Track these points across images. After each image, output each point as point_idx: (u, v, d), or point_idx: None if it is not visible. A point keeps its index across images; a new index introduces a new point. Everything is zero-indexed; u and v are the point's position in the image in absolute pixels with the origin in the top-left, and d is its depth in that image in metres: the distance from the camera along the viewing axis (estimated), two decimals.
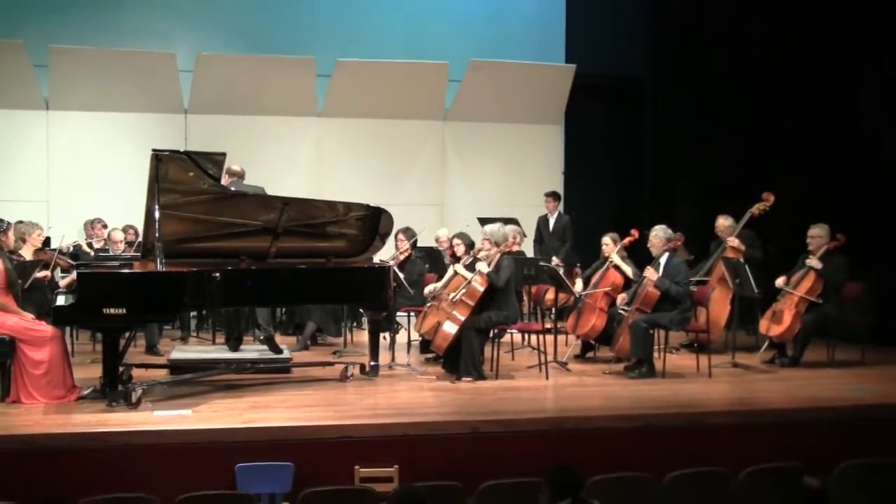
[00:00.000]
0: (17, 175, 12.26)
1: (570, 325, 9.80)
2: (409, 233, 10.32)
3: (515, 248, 10.18)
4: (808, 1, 11.50)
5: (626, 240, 9.83)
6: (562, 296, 9.87)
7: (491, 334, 8.92)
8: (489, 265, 8.68)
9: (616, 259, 9.61)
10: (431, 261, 10.76)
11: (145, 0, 12.94)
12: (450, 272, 9.31)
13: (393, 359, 9.31)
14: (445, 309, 8.80)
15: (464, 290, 8.70)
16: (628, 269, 9.57)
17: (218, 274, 7.63)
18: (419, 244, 10.64)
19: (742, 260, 9.68)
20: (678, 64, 13.52)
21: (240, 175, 9.85)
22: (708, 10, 12.79)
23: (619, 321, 9.29)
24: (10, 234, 8.07)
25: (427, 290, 9.51)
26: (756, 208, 10.15)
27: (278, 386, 8.21)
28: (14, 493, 5.21)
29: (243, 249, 8.30)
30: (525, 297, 10.47)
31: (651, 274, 8.99)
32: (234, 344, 9.27)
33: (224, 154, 7.90)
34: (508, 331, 9.60)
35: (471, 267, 8.95)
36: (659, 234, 9.24)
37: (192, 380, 8.11)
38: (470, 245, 9.49)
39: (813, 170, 11.45)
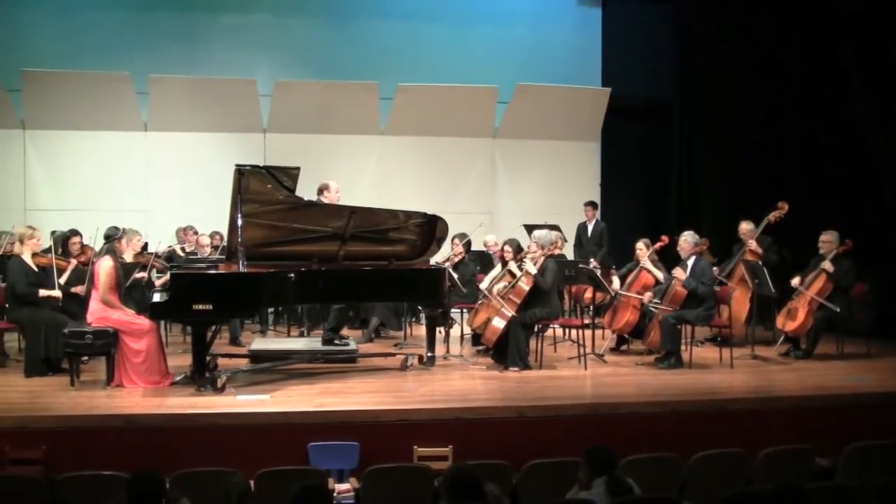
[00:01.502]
0: (120, 188, 12.45)
1: (606, 320, 9.75)
2: (463, 237, 10.33)
3: (557, 252, 10.18)
4: (821, 26, 11.36)
5: (657, 245, 9.75)
6: (599, 294, 9.83)
7: (535, 329, 8.90)
8: (535, 266, 8.69)
9: (647, 263, 9.55)
10: (482, 263, 10.77)
11: (230, 34, 13.08)
12: (495, 270, 9.29)
13: (448, 350, 9.32)
14: (495, 306, 8.80)
15: (512, 289, 8.72)
16: (658, 273, 9.51)
17: (293, 275, 7.69)
18: (472, 248, 10.66)
19: (760, 262, 9.61)
20: (703, 87, 13.41)
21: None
22: (730, 37, 12.68)
23: (651, 317, 9.24)
24: (124, 241, 8.22)
25: (483, 285, 9.49)
26: (772, 216, 10.06)
27: (346, 374, 8.24)
28: (117, 465, 5.27)
29: (315, 253, 8.35)
30: (566, 296, 10.45)
31: (679, 273, 8.94)
32: (329, 335, 9.18)
33: (298, 168, 7.92)
34: (551, 325, 9.53)
35: (519, 268, 8.94)
36: (687, 239, 9.19)
37: (269, 368, 8.18)
38: (518, 249, 9.47)
39: (824, 181, 11.34)
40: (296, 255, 8.28)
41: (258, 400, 6.95)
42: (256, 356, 8.57)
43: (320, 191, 8.96)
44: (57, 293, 8.24)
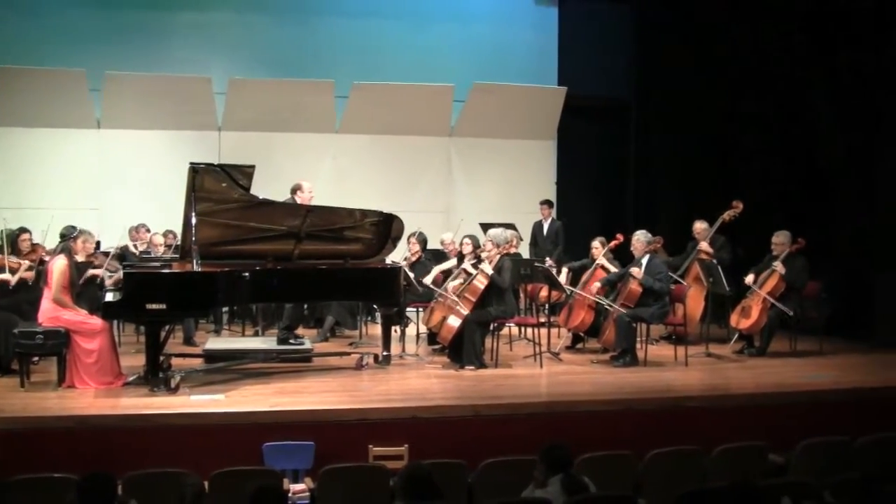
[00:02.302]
0: (73, 186, 12.24)
1: (562, 319, 9.77)
2: (419, 236, 10.32)
3: (513, 250, 10.19)
4: (782, 26, 11.49)
5: (612, 243, 9.85)
6: (554, 293, 9.87)
7: (491, 327, 8.90)
8: (490, 265, 8.69)
9: (603, 261, 9.64)
10: (438, 262, 10.69)
11: (187, 31, 12.94)
12: (448, 263, 9.35)
13: (403, 349, 9.29)
14: (450, 304, 8.78)
15: (467, 288, 8.71)
16: (614, 270, 9.56)
17: (247, 273, 7.64)
18: (428, 247, 10.68)
19: (715, 262, 9.69)
20: (660, 86, 13.51)
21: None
22: (688, 38, 12.79)
23: (606, 316, 9.28)
24: (80, 240, 8.11)
25: (428, 279, 9.56)
26: (727, 214, 10.13)
27: (301, 374, 8.18)
28: (69, 467, 5.20)
29: (270, 252, 8.28)
30: (521, 294, 10.49)
31: (637, 273, 8.99)
32: (284, 334, 9.14)
33: (253, 167, 7.87)
34: (507, 324, 9.59)
35: (475, 266, 8.94)
36: (640, 238, 9.25)
37: (224, 368, 8.11)
38: (478, 245, 9.46)
39: (777, 182, 11.47)
40: (250, 254, 8.20)
41: (212, 400, 6.88)
42: (211, 356, 8.49)
43: (293, 191, 8.97)
44: (7, 276, 8.17)
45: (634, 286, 8.98)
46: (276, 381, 7.77)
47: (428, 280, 9.68)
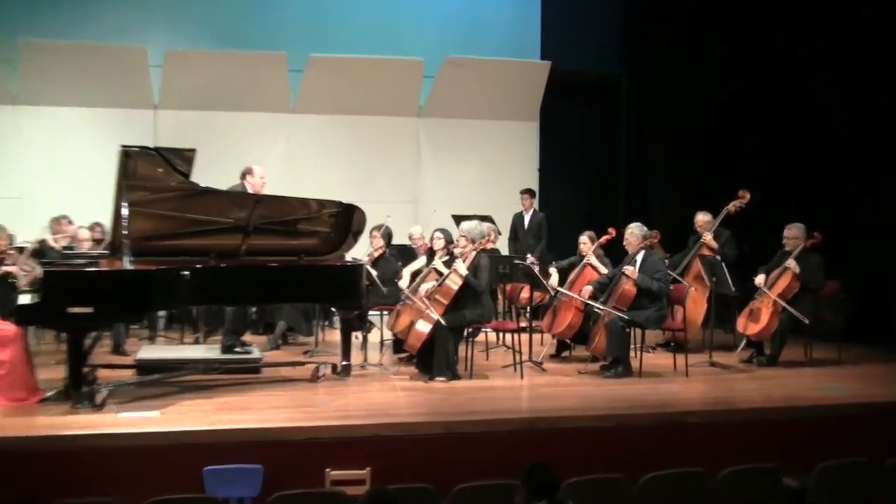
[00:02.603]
0: None
1: (545, 324, 9.77)
2: (383, 230, 10.28)
3: (490, 246, 10.25)
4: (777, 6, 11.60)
5: (603, 238, 9.90)
6: (537, 294, 9.85)
7: (465, 333, 8.90)
8: (465, 263, 8.66)
9: (592, 259, 9.68)
10: (405, 259, 10.73)
11: None
12: (418, 262, 9.42)
13: (365, 358, 9.23)
14: (419, 308, 8.75)
15: (439, 289, 8.68)
16: (604, 270, 9.58)
17: (187, 272, 7.54)
18: (393, 242, 10.63)
19: (718, 258, 9.68)
20: (653, 62, 13.57)
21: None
22: (682, 8, 12.84)
23: (595, 320, 9.26)
24: None
25: (403, 281, 9.59)
26: (732, 205, 10.16)
27: (247, 387, 8.10)
28: None
29: (214, 247, 8.18)
30: (500, 296, 10.46)
31: (631, 272, 8.97)
32: (229, 341, 9.09)
33: (194, 150, 7.77)
34: (483, 330, 9.61)
35: (448, 264, 8.92)
36: (634, 232, 9.23)
37: (159, 380, 8.00)
38: (450, 241, 9.47)
39: (789, 167, 11.52)
40: (191, 249, 8.10)
41: (145, 418, 6.77)
42: (143, 367, 8.38)
43: (243, 175, 8.97)
44: None
45: (628, 286, 8.97)
46: (220, 395, 7.68)
47: (402, 283, 9.67)
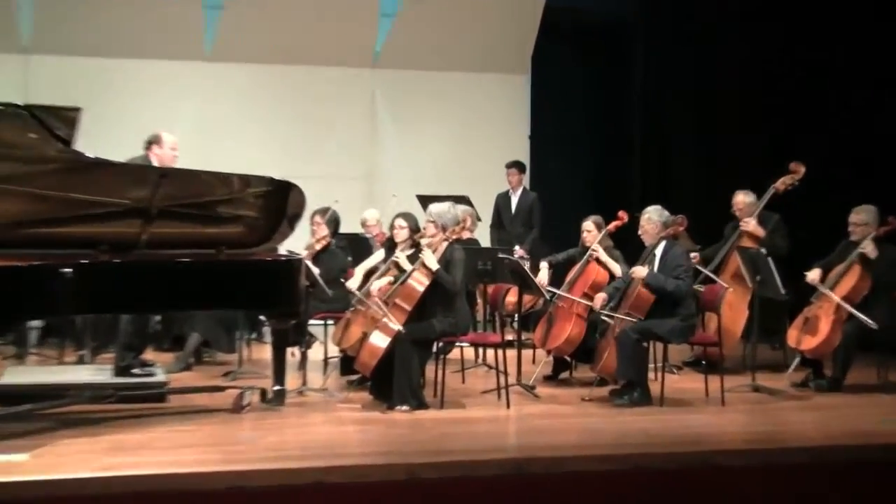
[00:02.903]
0: None
1: (538, 336, 9.79)
2: (328, 215, 10.29)
3: (466, 235, 10.28)
4: None
5: (612, 225, 9.92)
6: (527, 298, 9.91)
7: (434, 348, 8.89)
8: (434, 255, 8.66)
9: (599, 252, 9.72)
10: (357, 252, 10.77)
11: None
12: (375, 257, 9.62)
13: (304, 382, 9.16)
14: (374, 315, 8.75)
15: (400, 290, 8.69)
16: (615, 266, 9.65)
17: (68, 269, 7.43)
18: (341, 230, 10.69)
19: (763, 250, 9.67)
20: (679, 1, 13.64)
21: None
22: None
23: (604, 331, 9.26)
24: None
25: (354, 282, 9.74)
26: (781, 183, 10.23)
27: (149, 420, 8.04)
28: None
29: (105, 236, 8.13)
30: (479, 300, 10.55)
31: (639, 272, 8.98)
32: (125, 360, 9.05)
33: (78, 109, 7.66)
34: (457, 344, 9.64)
35: (412, 259, 8.94)
36: (652, 217, 9.24)
37: (30, 412, 7.92)
38: (415, 229, 9.49)
39: (854, 134, 11.58)
40: (74, 239, 8.06)
41: (9, 462, 6.68)
42: (9, 395, 8.26)
43: (148, 144, 9.10)
44: None
45: (643, 288, 8.96)
46: (112, 431, 7.61)
47: (353, 284, 9.76)
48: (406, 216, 9.68)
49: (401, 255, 9.13)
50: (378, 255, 10.34)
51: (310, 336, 9.97)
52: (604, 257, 9.71)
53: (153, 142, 9.09)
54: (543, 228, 12.20)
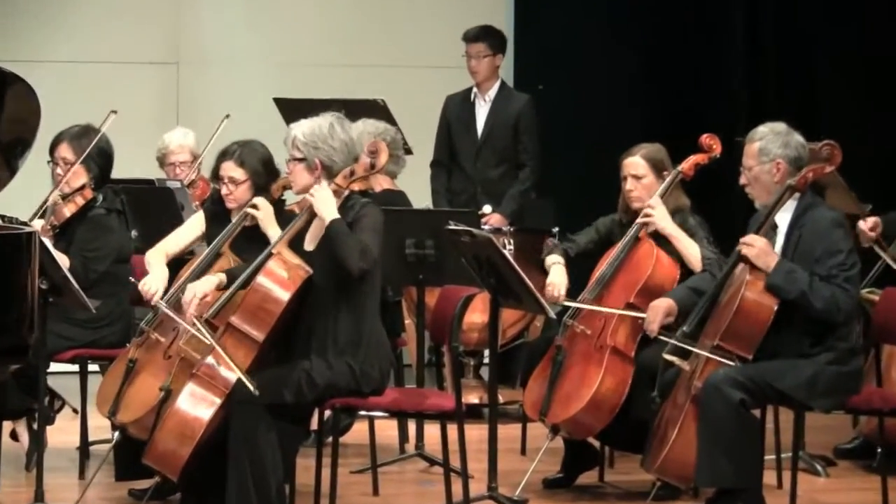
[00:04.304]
0: None
1: (531, 396, 9.83)
2: (88, 140, 10.14)
3: (380, 186, 10.44)
4: None
5: (688, 164, 9.93)
6: (510, 317, 9.74)
7: (316, 423, 9.05)
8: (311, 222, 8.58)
9: (658, 216, 9.54)
10: (147, 218, 10.85)
11: None
12: (184, 233, 9.75)
13: (38, 498, 9.17)
14: (187, 352, 8.77)
15: (242, 299, 8.66)
16: (690, 247, 9.68)
17: None
18: (116, 174, 10.75)
19: None
20: None
21: None
22: None
23: (669, 385, 9.13)
24: None
25: (150, 284, 9.56)
26: None
27: None
28: None
29: None
30: (407, 318, 10.81)
31: (759, 252, 8.82)
32: None
33: None
34: (363, 413, 9.48)
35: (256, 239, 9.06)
36: (770, 149, 9.16)
37: None
38: (268, 170, 9.53)
39: None
40: None
41: None
42: None
43: None
44: None
45: (754, 293, 8.81)
46: None
47: (154, 287, 9.59)
48: (246, 150, 9.69)
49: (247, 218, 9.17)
50: (193, 224, 10.14)
51: (52, 398, 10.15)
52: (669, 228, 9.67)
53: None
54: (550, 170, 12.40)
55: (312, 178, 8.69)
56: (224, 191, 9.65)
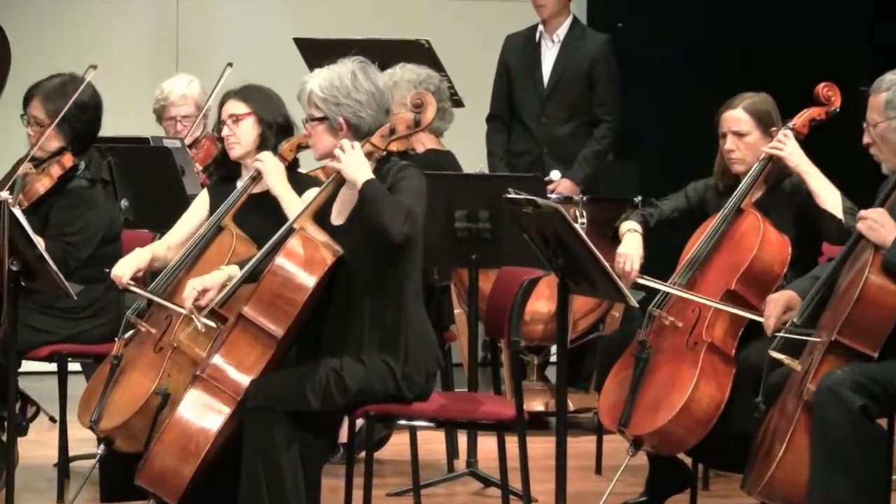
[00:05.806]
0: None
1: (607, 402, 9.81)
2: (67, 94, 10.15)
3: (423, 146, 10.35)
4: None
5: (802, 118, 9.87)
6: (582, 305, 9.75)
7: (346, 434, 9.03)
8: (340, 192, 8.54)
9: (792, 151, 9.58)
10: (133, 183, 10.79)
11: None
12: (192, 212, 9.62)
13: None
14: (189, 348, 8.75)
15: (257, 287, 8.59)
16: (830, 190, 9.64)
17: None
18: (105, 132, 10.73)
19: None
20: None
21: None
22: None
23: (774, 390, 9.10)
24: None
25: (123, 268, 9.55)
26: None
27: None
28: None
29: None
30: (457, 307, 10.77)
31: (870, 226, 8.80)
32: None
33: None
34: (403, 422, 9.44)
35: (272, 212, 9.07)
36: None
37: None
38: (284, 125, 9.56)
39: None
40: None
41: None
42: None
43: None
44: None
45: (882, 277, 8.80)
46: None
47: (122, 268, 9.58)
48: (253, 87, 9.73)
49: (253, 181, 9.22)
50: (196, 208, 10.12)
51: (25, 404, 10.21)
52: (804, 165, 9.69)
53: None
54: (633, 136, 12.42)
55: (337, 140, 8.71)
56: (225, 132, 9.67)
